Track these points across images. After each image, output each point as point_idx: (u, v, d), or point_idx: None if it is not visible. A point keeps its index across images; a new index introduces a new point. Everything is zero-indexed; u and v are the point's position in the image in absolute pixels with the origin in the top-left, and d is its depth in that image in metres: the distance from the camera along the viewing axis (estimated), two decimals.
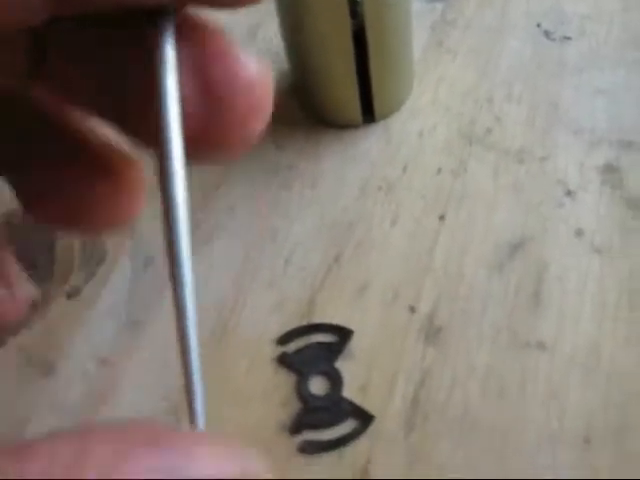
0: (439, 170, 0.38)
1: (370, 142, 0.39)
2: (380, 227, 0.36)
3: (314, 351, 0.32)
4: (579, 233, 0.35)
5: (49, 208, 0.16)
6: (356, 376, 0.31)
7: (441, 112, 0.40)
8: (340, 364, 0.32)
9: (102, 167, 0.16)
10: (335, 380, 0.31)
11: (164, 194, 0.14)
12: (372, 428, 0.30)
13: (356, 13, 0.35)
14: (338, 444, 0.30)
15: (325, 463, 0.29)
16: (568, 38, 0.43)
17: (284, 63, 0.41)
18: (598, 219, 0.35)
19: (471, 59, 0.43)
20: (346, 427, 0.30)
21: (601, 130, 0.38)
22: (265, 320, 0.33)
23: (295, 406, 0.31)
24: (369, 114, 0.39)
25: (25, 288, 0.17)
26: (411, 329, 0.32)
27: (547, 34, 0.44)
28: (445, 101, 0.41)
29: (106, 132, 0.16)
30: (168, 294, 0.13)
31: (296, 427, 0.30)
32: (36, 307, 0.35)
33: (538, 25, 0.44)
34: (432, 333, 0.32)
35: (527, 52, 0.43)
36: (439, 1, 0.46)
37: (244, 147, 0.15)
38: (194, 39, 0.14)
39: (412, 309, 0.33)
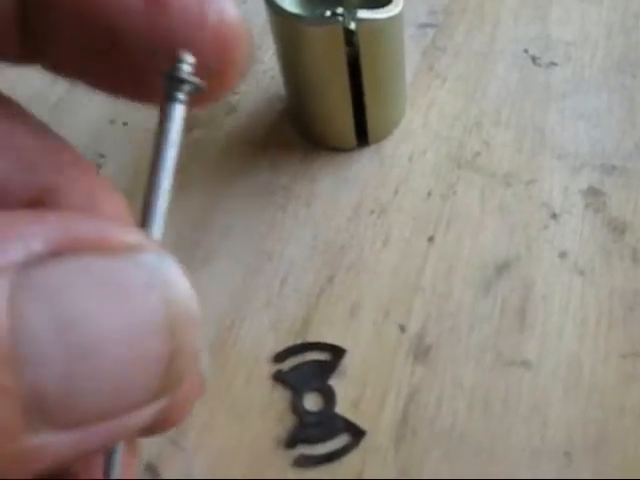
0: (429, 193, 0.39)
1: (363, 165, 0.41)
2: (372, 248, 0.37)
3: (309, 369, 0.33)
4: (563, 255, 0.36)
5: None
6: (348, 393, 0.33)
7: (431, 136, 0.42)
8: (333, 381, 0.33)
9: None
10: (328, 397, 0.32)
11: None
12: (364, 442, 0.31)
13: (351, 42, 0.37)
14: (332, 458, 0.31)
15: (319, 476, 0.31)
16: (554, 64, 0.45)
17: (281, 87, 0.43)
18: (581, 241, 0.36)
19: (460, 84, 0.44)
20: (339, 442, 0.31)
21: (585, 154, 0.40)
22: (262, 338, 0.35)
23: (290, 421, 0.32)
24: (363, 138, 0.41)
25: None
26: (401, 347, 0.34)
27: (534, 60, 0.45)
28: (435, 125, 0.42)
29: None
30: None
31: (291, 442, 0.31)
32: None
33: (525, 51, 0.46)
34: (421, 351, 0.33)
35: (514, 77, 0.44)
36: (430, 27, 0.48)
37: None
38: None
39: (402, 328, 0.34)
